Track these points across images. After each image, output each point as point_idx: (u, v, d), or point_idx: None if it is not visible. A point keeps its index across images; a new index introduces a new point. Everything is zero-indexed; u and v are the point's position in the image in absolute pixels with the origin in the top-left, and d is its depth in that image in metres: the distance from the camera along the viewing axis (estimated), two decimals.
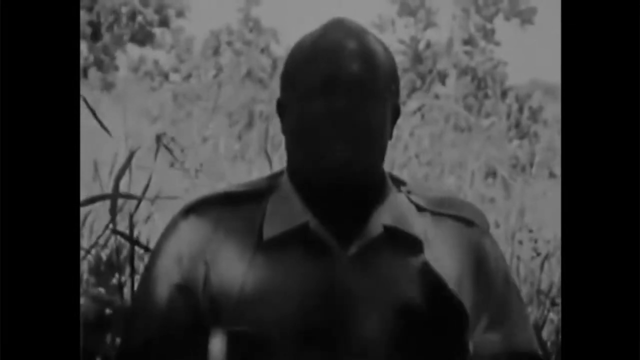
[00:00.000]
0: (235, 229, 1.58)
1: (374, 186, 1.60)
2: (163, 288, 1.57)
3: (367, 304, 1.53)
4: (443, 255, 1.59)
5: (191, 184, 5.55)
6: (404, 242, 1.58)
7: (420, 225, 1.59)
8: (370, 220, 1.57)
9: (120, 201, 2.85)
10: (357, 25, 1.60)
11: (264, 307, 1.53)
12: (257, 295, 1.54)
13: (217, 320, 1.54)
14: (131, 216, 2.50)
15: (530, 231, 4.69)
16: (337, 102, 1.52)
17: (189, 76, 15.20)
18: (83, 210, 3.03)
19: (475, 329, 1.58)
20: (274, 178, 1.63)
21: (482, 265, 1.62)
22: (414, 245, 1.58)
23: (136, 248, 2.57)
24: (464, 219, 1.63)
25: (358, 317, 1.53)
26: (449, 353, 1.54)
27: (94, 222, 3.42)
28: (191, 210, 1.61)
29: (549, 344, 3.24)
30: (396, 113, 1.62)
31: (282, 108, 1.61)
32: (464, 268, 1.60)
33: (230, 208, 1.60)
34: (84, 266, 2.70)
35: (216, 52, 15.70)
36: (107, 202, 2.59)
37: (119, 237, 2.59)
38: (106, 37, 19.01)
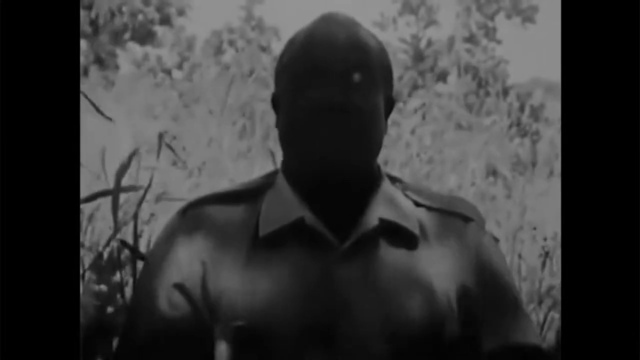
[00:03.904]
0: (232, 228, 1.58)
1: (368, 179, 1.60)
2: (162, 288, 1.57)
3: (363, 296, 1.54)
4: (441, 250, 1.60)
5: (193, 183, 5.55)
6: (399, 236, 1.58)
7: (416, 220, 1.60)
8: (366, 213, 1.57)
9: (122, 201, 2.85)
10: (349, 18, 1.61)
11: (262, 303, 1.53)
12: (255, 291, 1.54)
13: (216, 318, 1.54)
14: (135, 215, 2.51)
15: (534, 229, 4.69)
16: (329, 94, 1.52)
17: (190, 74, 15.20)
18: (85, 208, 3.03)
19: (474, 323, 1.59)
20: (270, 176, 1.64)
21: (480, 260, 1.62)
22: (409, 239, 1.58)
23: (138, 245, 2.57)
24: (461, 215, 1.64)
25: (355, 309, 1.53)
26: (446, 346, 1.55)
27: (95, 220, 3.41)
28: (188, 210, 1.62)
29: (549, 343, 3.24)
30: (390, 105, 1.62)
31: (276, 102, 1.62)
32: (462, 264, 1.60)
33: (226, 207, 1.60)
34: (86, 264, 2.69)
35: (218, 50, 15.71)
36: (109, 202, 2.59)
37: (118, 237, 2.59)
38: (103, 36, 19.02)
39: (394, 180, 1.66)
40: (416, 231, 1.59)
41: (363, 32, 1.59)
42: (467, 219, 1.64)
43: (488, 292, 1.61)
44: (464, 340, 1.57)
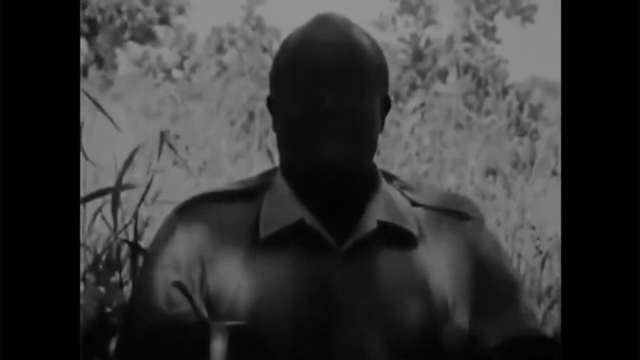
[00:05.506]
0: (231, 227, 1.58)
1: (365, 179, 1.61)
2: (160, 287, 1.57)
3: (361, 298, 1.54)
4: (439, 250, 1.60)
5: (194, 182, 5.54)
6: (398, 237, 1.59)
7: (414, 220, 1.60)
8: (365, 215, 1.58)
9: (121, 202, 2.84)
10: (343, 19, 1.61)
11: (260, 303, 1.54)
12: (254, 291, 1.54)
13: (214, 317, 1.54)
14: (134, 215, 2.51)
15: (533, 228, 4.68)
16: (324, 96, 1.53)
17: (191, 73, 15.20)
18: (84, 209, 3.02)
19: (474, 321, 1.59)
20: (267, 176, 1.65)
21: (480, 258, 1.63)
22: (407, 240, 1.59)
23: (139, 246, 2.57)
24: (459, 213, 1.64)
25: (352, 311, 1.53)
26: (443, 348, 1.56)
27: (94, 220, 3.41)
28: (185, 209, 1.62)
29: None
30: (386, 105, 1.62)
31: (272, 104, 1.62)
32: (460, 262, 1.61)
33: (224, 206, 1.61)
34: (84, 264, 2.69)
35: (219, 49, 15.70)
36: (109, 203, 2.58)
37: (119, 236, 2.59)
38: (102, 36, 18.99)
39: (390, 178, 1.66)
40: (414, 232, 1.59)
41: (356, 33, 1.59)
42: (465, 217, 1.65)
43: (485, 290, 1.61)
44: (462, 341, 1.57)
